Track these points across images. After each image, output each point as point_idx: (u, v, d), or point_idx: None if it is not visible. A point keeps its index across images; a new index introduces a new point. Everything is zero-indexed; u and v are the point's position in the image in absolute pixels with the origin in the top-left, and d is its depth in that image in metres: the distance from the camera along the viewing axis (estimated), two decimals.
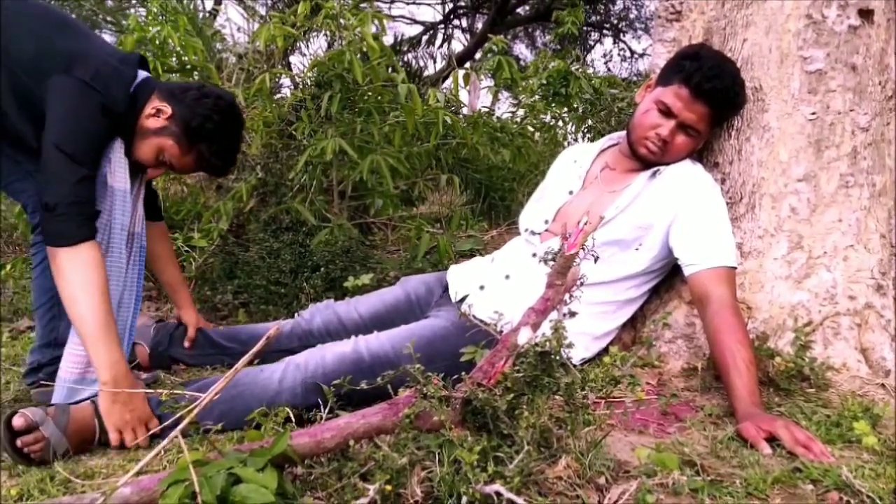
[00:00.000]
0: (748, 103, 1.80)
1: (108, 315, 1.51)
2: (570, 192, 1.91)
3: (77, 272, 1.50)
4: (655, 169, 1.80)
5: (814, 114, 1.73)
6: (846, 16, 1.72)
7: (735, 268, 1.67)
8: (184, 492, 0.99)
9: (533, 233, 1.88)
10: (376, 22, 2.71)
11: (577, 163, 1.98)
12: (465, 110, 4.56)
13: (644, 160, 1.81)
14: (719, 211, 1.74)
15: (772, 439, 1.29)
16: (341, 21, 2.57)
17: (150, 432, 1.49)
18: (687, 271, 1.68)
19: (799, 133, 1.74)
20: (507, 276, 1.82)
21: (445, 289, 1.96)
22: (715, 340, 1.54)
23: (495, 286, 1.82)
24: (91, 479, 1.30)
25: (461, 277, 1.94)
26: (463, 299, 1.84)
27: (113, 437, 1.47)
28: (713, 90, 1.70)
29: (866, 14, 1.73)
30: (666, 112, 1.75)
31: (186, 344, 1.98)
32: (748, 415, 1.36)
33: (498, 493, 0.95)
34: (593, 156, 1.97)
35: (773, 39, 1.77)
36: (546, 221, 1.89)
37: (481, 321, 1.42)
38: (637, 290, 1.81)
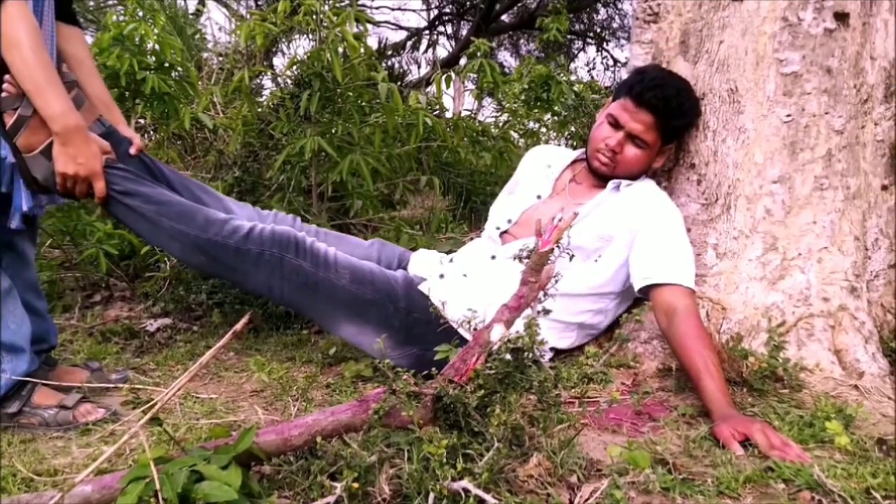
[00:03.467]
0: (724, 105, 1.81)
1: (51, 65, 1.49)
2: (538, 197, 1.94)
3: (13, 23, 1.44)
4: (619, 182, 1.84)
5: (789, 116, 1.74)
6: (822, 19, 1.73)
7: (695, 292, 1.71)
8: (144, 489, 0.97)
9: (497, 228, 1.91)
10: (358, 23, 2.70)
11: (550, 168, 2.01)
12: (448, 114, 4.56)
13: (599, 174, 1.87)
14: (683, 233, 1.78)
15: (747, 441, 1.29)
16: (322, 19, 2.55)
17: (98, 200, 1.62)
18: (650, 282, 1.68)
19: (774, 135, 1.75)
20: (465, 275, 1.83)
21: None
22: (684, 346, 1.54)
23: (453, 280, 1.83)
24: (53, 476, 1.27)
25: (423, 262, 1.98)
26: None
27: (58, 182, 1.54)
28: (654, 98, 1.77)
29: (842, 17, 1.75)
30: (614, 124, 1.82)
31: (133, 152, 1.83)
32: (725, 416, 1.36)
33: (466, 490, 0.94)
34: (566, 163, 2.01)
35: (749, 41, 1.78)
36: (510, 221, 1.91)
37: (433, 306, 1.57)
38: (593, 315, 1.81)
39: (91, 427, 1.51)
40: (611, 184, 1.85)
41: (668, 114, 1.79)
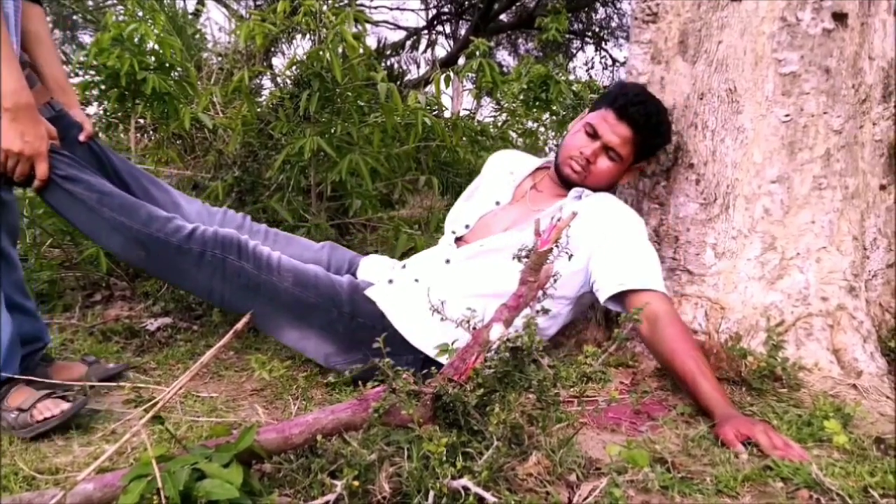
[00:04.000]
0: (723, 105, 1.81)
1: (10, 41, 1.48)
2: (497, 203, 1.93)
3: None
4: (581, 191, 1.83)
5: (787, 116, 1.74)
6: (820, 19, 1.74)
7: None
8: (146, 487, 0.97)
9: (453, 232, 1.90)
10: (358, 23, 2.70)
11: (512, 174, 2.00)
12: (447, 113, 4.56)
13: (568, 181, 1.86)
14: (648, 241, 1.76)
15: (747, 441, 1.29)
16: (321, 19, 2.56)
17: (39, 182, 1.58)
18: (625, 288, 1.63)
19: (773, 135, 1.75)
20: (416, 280, 1.80)
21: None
22: (673, 350, 1.51)
23: (403, 285, 1.80)
24: (55, 475, 1.28)
25: (373, 268, 1.95)
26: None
27: (0, 159, 1.52)
28: (636, 113, 1.77)
29: (840, 17, 1.75)
30: (592, 134, 1.81)
31: (82, 138, 1.80)
32: (726, 416, 1.36)
33: (465, 488, 0.94)
34: (529, 171, 2.00)
35: (748, 41, 1.78)
36: (467, 227, 1.90)
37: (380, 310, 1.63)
38: (546, 320, 1.73)
39: (93, 426, 1.51)
40: (573, 192, 1.83)
41: (647, 130, 1.80)
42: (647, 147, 1.84)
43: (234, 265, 1.69)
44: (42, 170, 1.59)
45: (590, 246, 1.71)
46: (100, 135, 1.91)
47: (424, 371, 1.20)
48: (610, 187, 1.88)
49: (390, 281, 1.82)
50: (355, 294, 1.75)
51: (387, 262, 2.01)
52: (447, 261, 1.81)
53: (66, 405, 1.50)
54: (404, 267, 1.90)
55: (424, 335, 1.68)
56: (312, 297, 1.71)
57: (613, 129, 1.79)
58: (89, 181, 1.66)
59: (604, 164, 1.81)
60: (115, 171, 1.83)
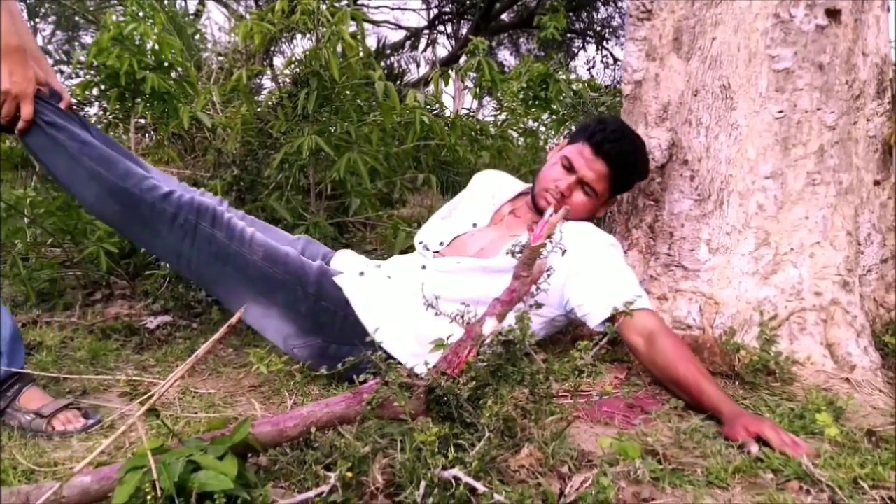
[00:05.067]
0: (717, 101, 1.82)
1: None
2: (474, 225, 1.93)
3: None
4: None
5: (781, 112, 1.75)
6: (814, 15, 1.75)
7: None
8: (142, 478, 0.98)
9: (426, 247, 1.90)
10: (356, 22, 2.72)
11: (493, 197, 2.00)
12: (447, 112, 4.57)
13: (543, 213, 1.82)
14: (626, 263, 1.75)
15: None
16: (319, 18, 2.57)
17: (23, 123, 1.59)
18: (619, 309, 1.56)
19: (766, 131, 1.76)
20: (389, 277, 1.81)
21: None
22: (675, 358, 1.51)
23: (374, 279, 1.81)
24: (54, 468, 1.29)
25: (347, 261, 1.94)
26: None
27: None
28: (612, 150, 1.78)
29: (833, 14, 1.76)
30: (568, 167, 1.82)
31: (63, 106, 1.77)
32: (736, 414, 1.35)
33: (456, 478, 0.96)
34: (510, 195, 2.01)
35: (742, 38, 1.79)
36: (441, 244, 1.90)
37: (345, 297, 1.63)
38: None
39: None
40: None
41: (623, 168, 1.81)
42: (623, 183, 1.86)
43: (205, 232, 1.68)
44: (27, 111, 1.59)
45: (564, 272, 1.65)
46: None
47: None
48: (586, 220, 1.86)
49: (361, 273, 1.81)
50: (323, 278, 1.74)
51: (361, 259, 2.00)
52: (423, 267, 1.82)
53: (87, 421, 1.51)
54: (379, 266, 1.91)
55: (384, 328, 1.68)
56: (280, 273, 1.70)
57: (589, 165, 1.79)
58: (73, 130, 1.66)
59: (579, 198, 1.82)
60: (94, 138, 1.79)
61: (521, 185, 2.05)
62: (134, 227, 1.72)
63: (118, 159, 1.69)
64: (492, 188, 2.04)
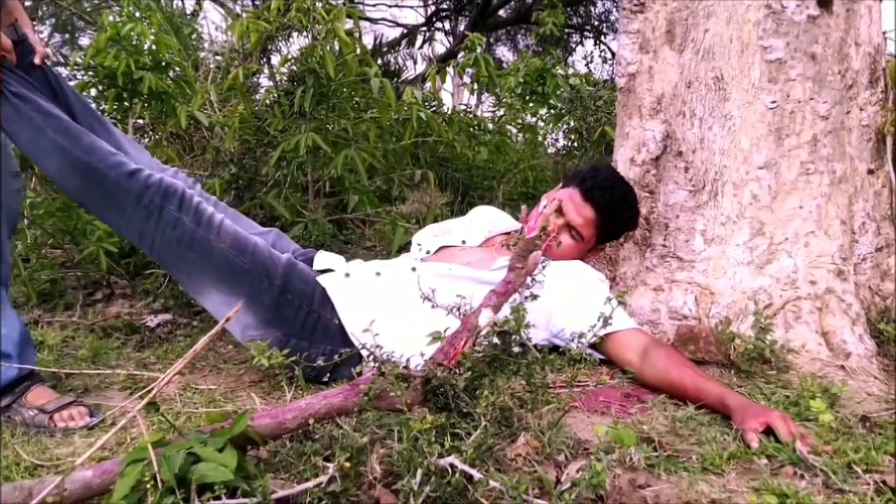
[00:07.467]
0: (710, 92, 1.83)
1: None
2: (463, 242, 1.97)
3: None
4: (545, 260, 1.79)
5: (774, 102, 1.76)
6: (805, 6, 1.76)
7: None
8: (142, 470, 1.00)
9: (419, 246, 1.94)
10: (350, 19, 2.73)
11: (490, 224, 2.05)
12: (445, 108, 4.58)
13: None
14: (612, 295, 1.72)
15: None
16: (314, 16, 2.58)
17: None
18: (612, 329, 1.53)
19: (760, 121, 1.77)
20: (378, 273, 1.81)
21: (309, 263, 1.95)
22: (674, 364, 1.52)
23: (362, 275, 1.80)
24: (56, 464, 1.31)
25: (330, 259, 1.93)
26: (324, 271, 1.83)
27: None
28: (601, 198, 1.80)
29: (825, 4, 1.77)
30: (558, 210, 1.83)
31: (37, 60, 1.76)
32: (744, 406, 1.35)
33: (452, 466, 0.97)
34: (506, 229, 2.05)
35: (734, 29, 1.80)
36: (427, 252, 1.94)
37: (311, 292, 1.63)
38: None
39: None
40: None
41: (611, 216, 1.82)
42: (611, 231, 1.88)
43: (171, 215, 1.66)
44: (9, 58, 1.56)
45: (549, 303, 1.62)
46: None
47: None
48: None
49: (347, 275, 1.81)
50: (291, 271, 1.73)
51: (342, 259, 1.99)
52: (413, 269, 1.82)
53: (91, 419, 1.50)
54: (364, 265, 1.91)
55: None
56: (247, 262, 1.68)
57: (578, 210, 1.82)
58: (38, 102, 1.64)
59: (566, 241, 1.84)
60: (67, 100, 1.78)
61: (515, 224, 2.08)
62: (97, 202, 1.69)
63: (83, 134, 1.66)
64: (490, 219, 2.09)
